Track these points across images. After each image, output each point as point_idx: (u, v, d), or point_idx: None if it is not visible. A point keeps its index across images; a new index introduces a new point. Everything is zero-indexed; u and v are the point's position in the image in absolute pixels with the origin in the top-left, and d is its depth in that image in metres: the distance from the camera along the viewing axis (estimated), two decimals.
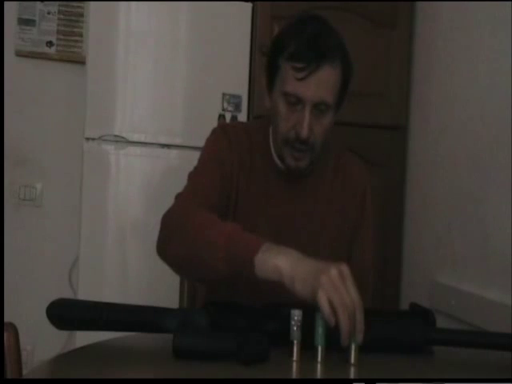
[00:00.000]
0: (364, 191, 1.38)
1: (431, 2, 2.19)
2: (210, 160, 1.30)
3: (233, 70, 2.19)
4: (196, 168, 1.31)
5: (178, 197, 1.23)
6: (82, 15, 2.54)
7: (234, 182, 1.30)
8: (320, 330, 0.96)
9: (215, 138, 1.34)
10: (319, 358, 0.97)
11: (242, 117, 2.19)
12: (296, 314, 0.97)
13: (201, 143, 1.37)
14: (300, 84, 1.19)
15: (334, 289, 0.93)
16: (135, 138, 2.14)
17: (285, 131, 1.24)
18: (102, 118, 2.13)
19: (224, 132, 1.34)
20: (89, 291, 2.04)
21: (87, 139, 2.11)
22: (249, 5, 2.19)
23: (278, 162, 1.33)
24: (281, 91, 1.22)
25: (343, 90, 1.24)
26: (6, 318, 1.18)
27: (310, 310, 0.97)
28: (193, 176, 1.29)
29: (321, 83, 1.19)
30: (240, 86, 2.19)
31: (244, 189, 1.31)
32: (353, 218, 1.36)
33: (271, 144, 1.34)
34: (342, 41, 1.23)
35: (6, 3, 2.34)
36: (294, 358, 0.97)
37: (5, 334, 1.09)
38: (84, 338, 1.05)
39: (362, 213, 1.37)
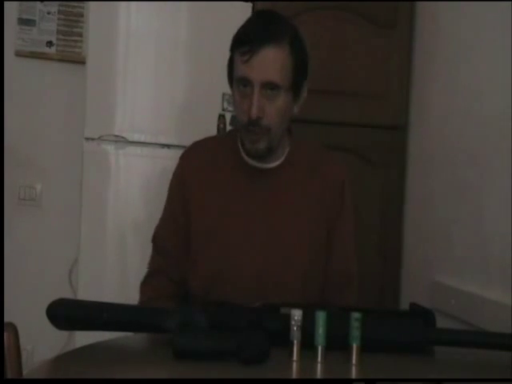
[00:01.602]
0: (342, 185, 1.37)
1: (431, 2, 2.19)
2: (165, 209, 1.41)
3: None
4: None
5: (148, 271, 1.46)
6: (82, 15, 2.54)
7: (196, 202, 1.33)
8: (320, 330, 0.96)
9: (171, 180, 1.40)
10: (319, 358, 0.97)
11: None
12: (296, 314, 0.97)
13: None
14: (246, 66, 1.21)
15: None
16: (135, 137, 2.14)
17: (241, 117, 1.26)
18: (101, 118, 2.13)
19: (180, 164, 1.39)
20: (89, 291, 2.04)
21: (87, 139, 2.11)
22: (249, 5, 2.19)
23: (246, 158, 1.33)
24: (235, 81, 1.26)
25: (298, 73, 1.24)
26: (6, 318, 1.18)
27: (310, 309, 0.97)
28: (154, 237, 1.41)
29: (265, 62, 1.20)
30: None
31: (213, 198, 1.33)
32: (330, 211, 1.35)
33: (239, 143, 1.34)
34: (293, 27, 1.26)
35: (6, 3, 2.34)
36: (294, 358, 0.97)
37: (5, 334, 1.09)
38: (84, 338, 1.05)
39: (340, 206, 1.36)
